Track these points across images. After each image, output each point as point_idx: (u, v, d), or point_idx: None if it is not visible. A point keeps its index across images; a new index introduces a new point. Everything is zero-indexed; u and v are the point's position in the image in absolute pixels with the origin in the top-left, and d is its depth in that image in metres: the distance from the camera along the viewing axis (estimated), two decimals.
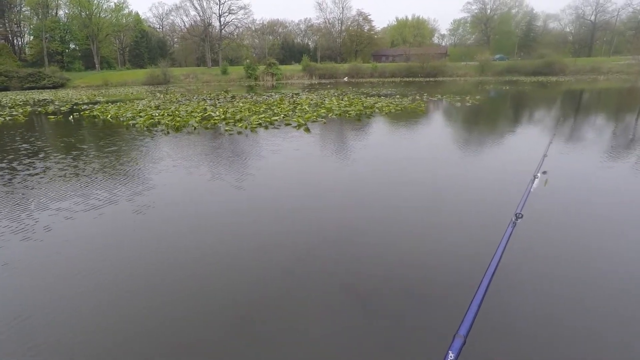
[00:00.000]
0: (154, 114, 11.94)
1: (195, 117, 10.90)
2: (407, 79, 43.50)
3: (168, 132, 9.05)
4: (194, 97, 20.54)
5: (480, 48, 52.04)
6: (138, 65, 58.42)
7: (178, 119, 10.47)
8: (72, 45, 56.83)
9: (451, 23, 71.73)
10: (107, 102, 18.85)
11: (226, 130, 9.03)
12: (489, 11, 61.05)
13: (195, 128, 9.54)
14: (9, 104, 20.70)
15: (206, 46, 58.52)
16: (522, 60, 48.12)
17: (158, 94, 25.02)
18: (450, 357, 0.95)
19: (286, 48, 70.83)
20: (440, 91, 22.38)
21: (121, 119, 11.65)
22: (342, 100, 15.75)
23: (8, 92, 39.62)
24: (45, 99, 24.11)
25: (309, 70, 51.59)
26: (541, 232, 3.18)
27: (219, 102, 16.44)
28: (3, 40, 51.66)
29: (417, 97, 18.00)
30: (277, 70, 50.70)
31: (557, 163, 5.38)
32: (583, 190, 4.30)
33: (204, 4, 57.48)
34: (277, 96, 19.18)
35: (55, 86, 45.50)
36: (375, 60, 59.26)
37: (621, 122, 9.81)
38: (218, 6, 57.78)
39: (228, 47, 60.67)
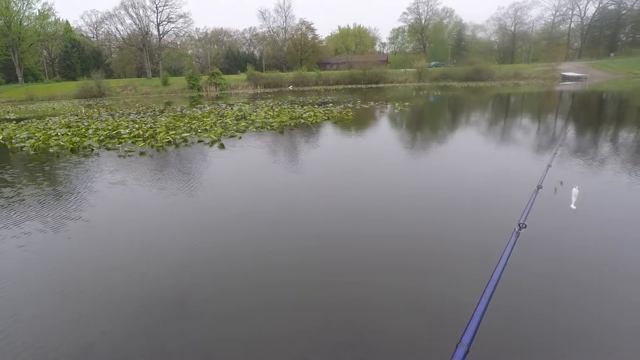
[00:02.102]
0: (57, 133, 10.84)
1: (100, 136, 10.01)
2: (351, 86, 44.38)
3: (58, 156, 8.16)
4: (120, 112, 19.23)
5: (417, 56, 54.54)
6: (69, 77, 54.27)
7: (75, 139, 9.52)
8: None
9: (391, 32, 74.71)
10: (13, 120, 17.02)
11: (126, 150, 8.32)
12: (423, 21, 64.45)
13: (93, 149, 8.71)
14: None
15: (145, 56, 55.76)
16: (455, 67, 51.13)
17: (83, 109, 23.18)
18: None
19: (231, 57, 69.59)
20: (376, 98, 22.90)
21: (14, 140, 10.42)
22: (272, 110, 15.47)
23: None
24: None
25: (253, 80, 50.96)
26: (544, 241, 3.19)
27: (142, 117, 15.45)
28: None
29: (350, 104, 18.19)
30: (221, 80, 49.50)
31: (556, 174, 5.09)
32: (588, 202, 4.13)
33: (140, 12, 54.85)
34: (208, 108, 18.47)
35: None
36: (320, 68, 59.95)
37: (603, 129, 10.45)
38: (156, 14, 55.45)
39: (168, 57, 58.31)
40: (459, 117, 13.93)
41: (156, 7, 54.81)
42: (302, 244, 3.41)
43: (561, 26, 59.40)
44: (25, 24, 49.69)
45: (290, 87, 48.45)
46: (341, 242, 3.40)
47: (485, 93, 25.87)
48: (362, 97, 23.82)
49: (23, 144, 9.51)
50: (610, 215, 3.78)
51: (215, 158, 7.41)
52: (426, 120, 13.54)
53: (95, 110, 21.66)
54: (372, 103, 18.99)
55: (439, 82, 44.75)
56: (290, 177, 5.92)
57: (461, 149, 7.93)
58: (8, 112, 24.26)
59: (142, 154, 8.09)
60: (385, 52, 76.04)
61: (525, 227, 1.72)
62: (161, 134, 9.63)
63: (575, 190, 2.37)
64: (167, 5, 55.03)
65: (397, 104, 17.62)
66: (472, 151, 7.64)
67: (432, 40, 63.54)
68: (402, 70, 52.21)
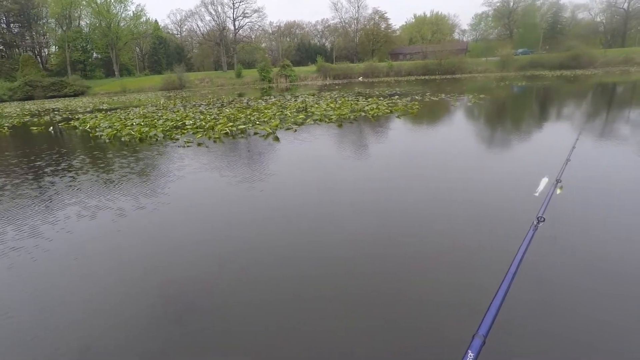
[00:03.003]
0: (133, 123, 11.60)
1: (166, 127, 10.43)
2: (424, 77, 41.96)
3: (127, 145, 8.58)
4: (193, 103, 20.32)
5: (502, 42, 49.40)
6: (156, 71, 59.69)
7: (145, 129, 10.01)
8: (95, 54, 58.86)
9: (472, 18, 68.66)
10: (104, 110, 18.91)
11: (185, 141, 8.45)
12: (511, 4, 57.96)
13: (157, 139, 9.04)
14: (12, 114, 21.30)
15: (221, 50, 59.01)
16: (547, 53, 45.23)
17: (162, 100, 25.07)
18: (470, 356, 0.96)
19: (302, 49, 70.44)
20: (448, 90, 21.09)
21: (97, 129, 11.37)
22: (335, 102, 14.94)
23: (31, 100, 41.34)
24: (54, 108, 24.67)
25: (323, 71, 50.96)
26: (564, 235, 3.13)
27: (210, 108, 16.03)
28: (30, 52, 54.11)
29: (418, 97, 16.89)
30: (291, 72, 50.39)
31: (582, 167, 4.92)
32: (607, 195, 4.04)
33: (219, 8, 58.03)
34: (272, 100, 18.59)
35: (77, 94, 47.09)
36: (392, 58, 57.73)
37: None
38: (232, 10, 58.16)
39: (243, 51, 60.94)
40: (539, 111, 11.99)
41: (233, 3, 57.47)
42: (328, 239, 3.33)
43: None
44: (121, 24, 55.66)
45: (360, 79, 47.44)
46: (359, 236, 3.32)
47: (583, 83, 22.32)
48: (434, 89, 22.12)
49: (102, 133, 10.27)
50: (631, 210, 3.57)
51: (265, 151, 7.13)
52: (499, 115, 11.87)
53: (172, 101, 23.21)
54: (442, 95, 17.41)
55: (526, 71, 40.11)
56: (335, 172, 5.38)
57: (521, 147, 6.60)
58: (103, 102, 27.25)
59: (199, 144, 8.14)
60: (464, 39, 70.57)
61: (543, 220, 1.71)
62: (219, 126, 9.68)
63: (545, 179, 2.38)
64: (243, 1, 57.33)
65: (471, 97, 15.88)
66: (531, 150, 6.43)
67: (520, 24, 56.88)
68: (482, 59, 47.81)
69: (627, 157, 5.56)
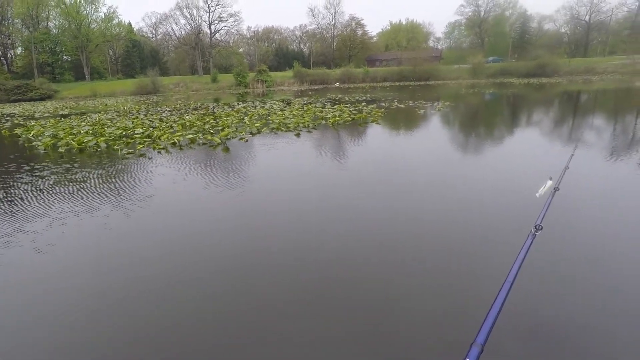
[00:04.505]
0: (79, 132, 10.95)
1: (112, 136, 9.88)
2: (398, 84, 42.36)
3: (62, 156, 8.02)
4: (157, 109, 19.66)
5: (474, 51, 50.59)
6: (129, 75, 57.90)
7: (87, 138, 9.43)
8: (64, 57, 56.61)
9: (446, 26, 69.93)
10: (60, 116, 18.03)
11: (126, 153, 7.96)
12: (482, 13, 59.55)
13: (97, 150, 8.51)
14: None
15: (197, 54, 57.99)
16: (516, 62, 46.59)
17: (127, 105, 24.22)
18: None
19: (280, 55, 70.12)
20: (418, 96, 21.24)
21: (40, 137, 10.68)
22: (300, 109, 14.68)
23: None
24: (11, 113, 23.40)
25: (299, 77, 50.73)
26: (562, 243, 3.15)
27: (172, 115, 15.48)
28: None
29: (384, 104, 16.85)
30: (268, 77, 49.96)
31: (576, 174, 4.99)
32: (605, 202, 4.11)
33: (194, 12, 57.03)
34: (238, 106, 18.19)
35: (43, 98, 45.04)
36: (369, 65, 58.14)
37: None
38: (208, 14, 57.31)
39: (219, 55, 60.04)
40: (503, 118, 12.10)
41: (208, 7, 56.61)
42: (306, 245, 3.36)
43: None
44: (92, 26, 53.86)
45: (337, 84, 47.45)
46: (349, 242, 3.34)
47: (548, 91, 22.93)
48: (405, 96, 22.24)
49: (38, 142, 9.61)
50: (628, 217, 3.62)
51: (208, 163, 6.78)
52: (461, 123, 11.89)
53: (138, 106, 22.42)
54: (410, 102, 17.45)
55: (496, 78, 41.12)
56: (276, 185, 5.06)
57: (490, 152, 6.55)
58: (66, 107, 26.08)
59: (140, 156, 7.70)
60: (439, 47, 71.95)
61: (541, 228, 1.71)
62: (165, 136, 9.23)
63: (549, 182, 2.30)
64: (219, 4, 56.55)
65: (437, 104, 15.97)
66: (501, 153, 6.63)
67: (491, 33, 58.57)
68: (455, 66, 48.76)
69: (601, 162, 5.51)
